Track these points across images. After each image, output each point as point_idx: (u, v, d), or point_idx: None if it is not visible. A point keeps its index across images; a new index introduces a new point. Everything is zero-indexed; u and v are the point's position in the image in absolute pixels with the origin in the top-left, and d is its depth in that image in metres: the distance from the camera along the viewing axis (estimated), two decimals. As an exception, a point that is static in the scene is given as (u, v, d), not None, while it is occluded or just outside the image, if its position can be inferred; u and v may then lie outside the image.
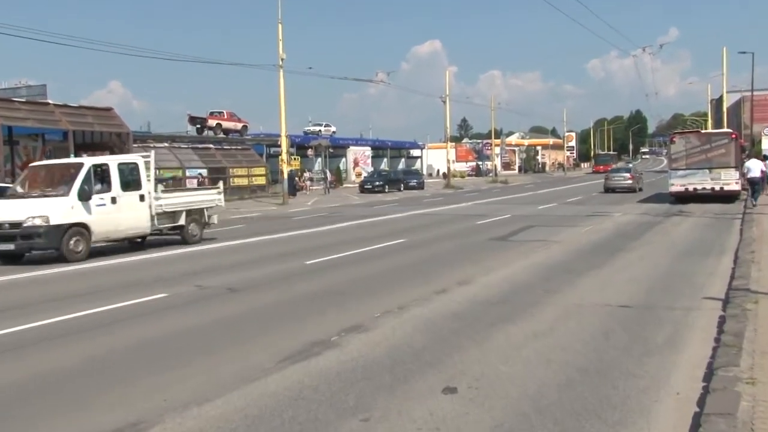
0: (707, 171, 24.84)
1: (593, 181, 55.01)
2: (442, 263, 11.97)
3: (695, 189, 24.86)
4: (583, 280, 9.64)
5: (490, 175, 67.63)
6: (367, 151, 62.54)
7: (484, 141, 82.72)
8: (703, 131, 30.12)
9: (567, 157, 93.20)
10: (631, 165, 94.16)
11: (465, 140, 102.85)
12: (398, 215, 24.28)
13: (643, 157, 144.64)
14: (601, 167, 71.32)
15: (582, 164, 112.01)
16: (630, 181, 34.59)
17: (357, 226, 20.24)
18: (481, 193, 40.74)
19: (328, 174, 47.18)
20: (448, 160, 54.75)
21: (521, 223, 19.23)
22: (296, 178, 43.47)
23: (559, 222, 19.66)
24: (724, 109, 56.33)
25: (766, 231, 14.39)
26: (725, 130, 33.28)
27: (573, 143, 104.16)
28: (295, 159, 44.58)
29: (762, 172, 23.54)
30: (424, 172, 68.80)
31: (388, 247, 14.62)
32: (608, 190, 34.47)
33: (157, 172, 34.64)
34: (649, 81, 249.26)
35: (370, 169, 59.02)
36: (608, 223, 18.52)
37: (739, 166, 24.84)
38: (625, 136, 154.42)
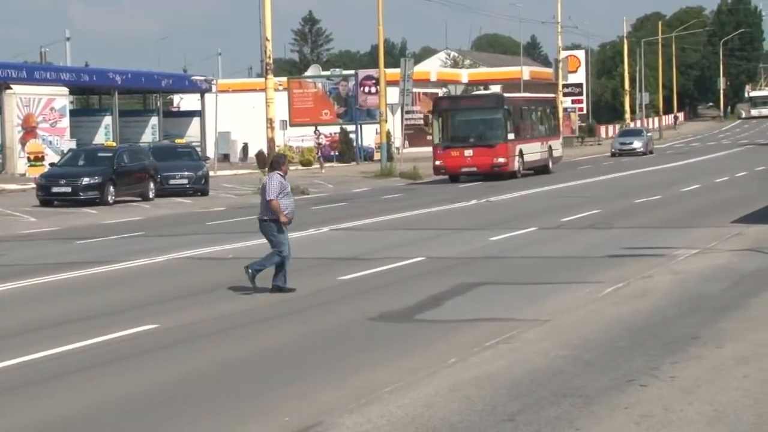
0: None
1: (617, 172, 56.88)
2: (252, 383, 12.12)
3: None
4: (603, 420, 9.83)
5: (377, 156, 68.68)
6: (61, 98, 62.05)
7: (362, 73, 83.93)
8: None
9: (566, 111, 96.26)
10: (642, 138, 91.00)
11: (312, 70, 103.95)
12: (140, 262, 24.54)
13: (753, 110, 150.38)
14: (456, 151, 57.35)
15: (602, 127, 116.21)
16: None
17: (24, 295, 19.95)
18: (352, 203, 41.71)
19: None
20: (272, 122, 54.80)
21: (451, 278, 19.72)
22: None
23: (544, 272, 20.36)
24: None
25: None
26: None
27: (581, 77, 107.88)
28: None
29: None
30: (211, 151, 68.81)
31: (115, 344, 14.66)
32: None
33: None
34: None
35: (70, 144, 58.79)
36: (663, 274, 19.29)
37: None
38: (709, 59, 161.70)
